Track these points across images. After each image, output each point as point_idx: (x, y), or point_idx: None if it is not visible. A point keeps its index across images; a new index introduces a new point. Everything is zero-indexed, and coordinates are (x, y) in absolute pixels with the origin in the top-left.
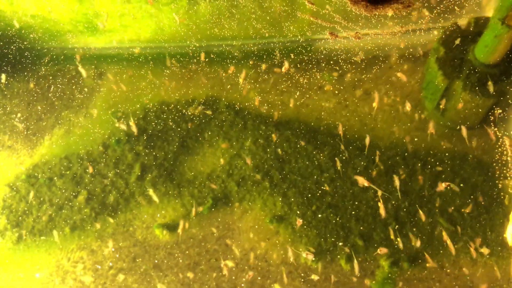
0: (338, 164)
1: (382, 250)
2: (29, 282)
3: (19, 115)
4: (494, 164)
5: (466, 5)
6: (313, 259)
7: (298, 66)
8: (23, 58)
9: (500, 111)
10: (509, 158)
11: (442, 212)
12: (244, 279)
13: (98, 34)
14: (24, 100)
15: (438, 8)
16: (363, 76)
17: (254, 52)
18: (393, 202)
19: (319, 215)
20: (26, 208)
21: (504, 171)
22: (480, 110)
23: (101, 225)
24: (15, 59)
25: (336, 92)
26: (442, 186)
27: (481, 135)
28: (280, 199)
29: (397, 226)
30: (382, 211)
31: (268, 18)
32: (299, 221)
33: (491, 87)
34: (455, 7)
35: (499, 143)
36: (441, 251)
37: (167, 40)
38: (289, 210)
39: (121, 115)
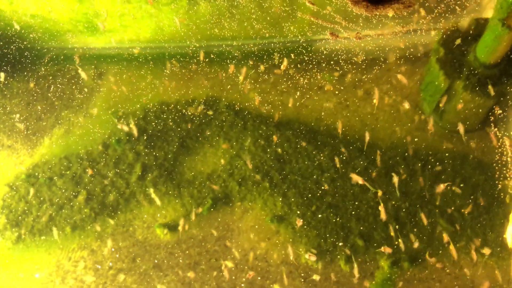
0: (338, 164)
1: (386, 249)
2: (29, 282)
3: (19, 115)
4: (494, 164)
5: (467, 5)
6: (315, 259)
7: (299, 66)
8: (23, 58)
9: (500, 111)
10: (509, 159)
11: (442, 212)
12: (244, 279)
13: (98, 34)
14: (24, 100)
15: (439, 8)
16: (364, 77)
17: (254, 53)
18: (393, 202)
19: (319, 215)
20: (25, 208)
21: (504, 172)
22: (481, 110)
23: (101, 225)
24: (15, 59)
25: (337, 92)
26: (441, 188)
27: (481, 136)
28: (280, 199)
29: (397, 226)
30: (383, 215)
31: (268, 18)
32: (299, 221)
33: (491, 87)
34: (456, 7)
35: (499, 144)
36: (441, 251)
37: (167, 40)
38: (289, 210)
39: (121, 115)
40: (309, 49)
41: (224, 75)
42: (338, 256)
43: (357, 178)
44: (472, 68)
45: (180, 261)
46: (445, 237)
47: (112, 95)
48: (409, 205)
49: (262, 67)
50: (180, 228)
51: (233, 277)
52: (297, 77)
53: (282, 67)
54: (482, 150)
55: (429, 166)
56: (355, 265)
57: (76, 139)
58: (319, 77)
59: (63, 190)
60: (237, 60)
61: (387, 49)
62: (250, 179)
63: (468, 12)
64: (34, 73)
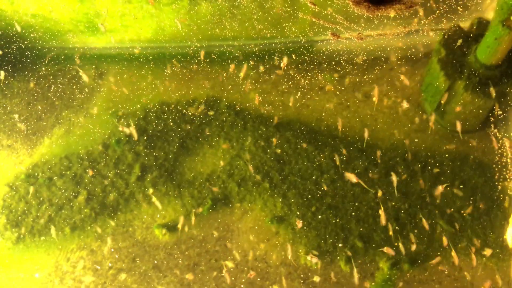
0: (338, 164)
1: (389, 250)
2: (28, 282)
3: (19, 114)
4: (494, 166)
5: (469, 5)
6: (316, 261)
7: (300, 67)
8: (23, 58)
9: (500, 112)
10: (509, 160)
11: (442, 213)
12: (243, 280)
13: (99, 34)
14: (24, 100)
15: (441, 8)
16: (365, 77)
17: (255, 53)
18: (393, 203)
19: (319, 216)
20: (25, 208)
21: (504, 173)
22: (481, 111)
23: (101, 225)
24: (15, 58)
25: (338, 93)
26: (439, 189)
27: (481, 137)
28: (280, 200)
29: (397, 227)
30: (383, 220)
31: (269, 18)
32: (299, 222)
33: (492, 88)
34: (458, 8)
35: (499, 145)
36: (441, 253)
37: (168, 40)
38: (289, 211)
39: (122, 115)
40: (310, 50)
41: (225, 75)
42: (338, 257)
43: (351, 177)
44: (473, 69)
45: (180, 262)
46: (445, 240)
47: (112, 95)
48: (409, 206)
49: (262, 68)
50: (179, 226)
51: (233, 278)
52: (298, 78)
53: (282, 65)
54: (482, 151)
55: (429, 167)
56: (354, 267)
57: (76, 139)
58: (320, 77)
59: (63, 190)
60: (238, 61)
61: (388, 49)
62: (250, 180)
63: (470, 13)
64: (35, 72)
